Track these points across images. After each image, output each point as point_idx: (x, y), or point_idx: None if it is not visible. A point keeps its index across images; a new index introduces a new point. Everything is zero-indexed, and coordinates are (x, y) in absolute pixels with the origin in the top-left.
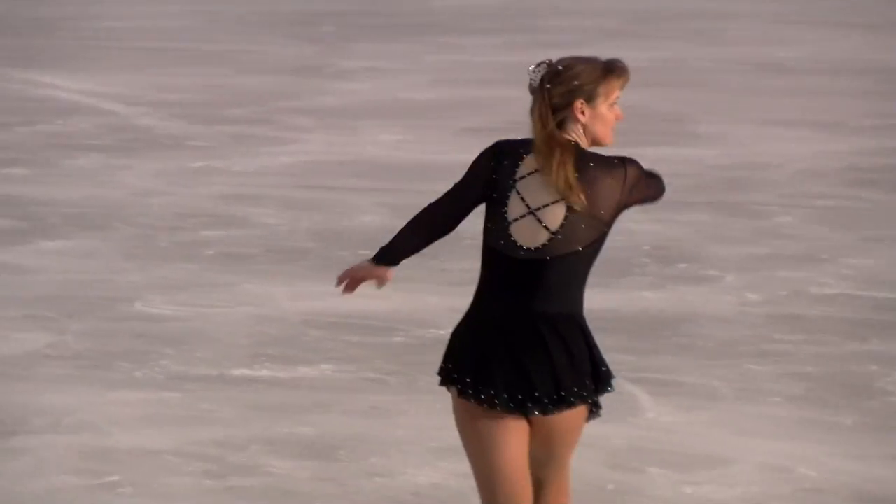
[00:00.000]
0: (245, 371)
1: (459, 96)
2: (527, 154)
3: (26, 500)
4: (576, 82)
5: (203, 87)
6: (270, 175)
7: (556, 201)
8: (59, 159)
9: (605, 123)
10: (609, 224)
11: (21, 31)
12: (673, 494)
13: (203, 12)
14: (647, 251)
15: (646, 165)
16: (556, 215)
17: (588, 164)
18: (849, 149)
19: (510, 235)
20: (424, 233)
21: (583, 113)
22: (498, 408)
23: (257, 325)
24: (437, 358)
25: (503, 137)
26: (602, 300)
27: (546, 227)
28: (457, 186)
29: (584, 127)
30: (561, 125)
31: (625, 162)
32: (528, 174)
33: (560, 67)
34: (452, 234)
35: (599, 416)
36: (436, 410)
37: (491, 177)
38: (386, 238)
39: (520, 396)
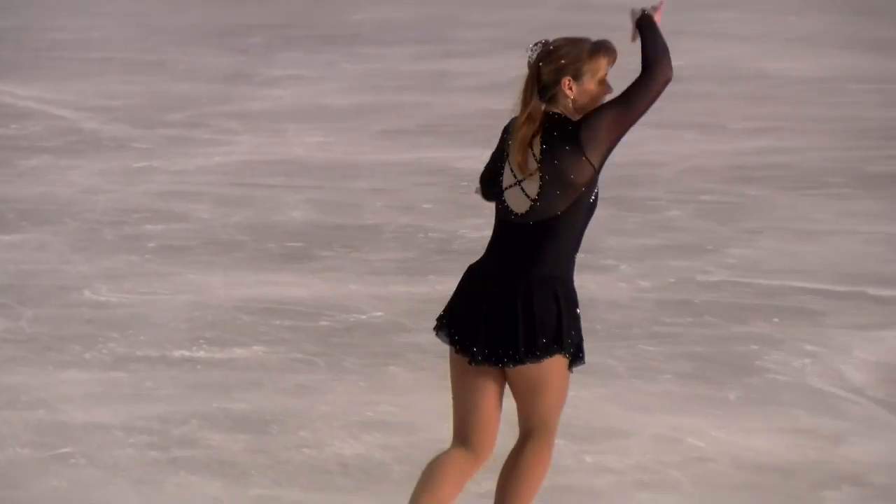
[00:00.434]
0: (184, 353)
1: (376, 101)
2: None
3: None
4: (563, 61)
5: (143, 94)
6: (206, 174)
7: (532, 173)
8: (13, 160)
9: (592, 98)
10: (585, 186)
11: None
12: (575, 463)
13: (142, 25)
14: None
15: None
16: (533, 185)
17: (553, 134)
18: (730, 149)
19: (504, 201)
20: None
21: (570, 89)
22: (473, 364)
23: (195, 310)
24: (359, 340)
25: (415, 139)
26: None
27: (527, 195)
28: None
29: (574, 101)
30: (552, 100)
31: (579, 123)
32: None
33: (551, 48)
34: (373, 227)
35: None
36: (359, 388)
37: (501, 148)
38: (312, 233)
39: (491, 350)
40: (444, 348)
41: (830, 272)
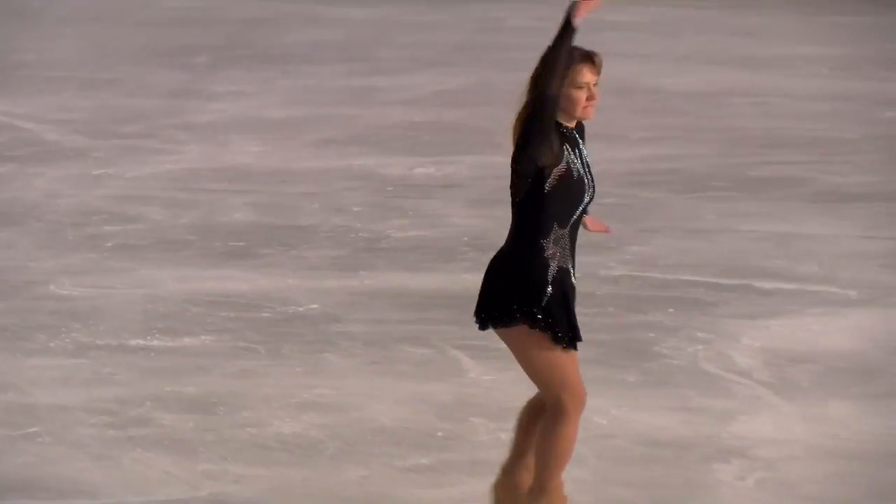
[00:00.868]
0: (140, 341)
1: (309, 114)
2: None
3: None
4: None
5: (99, 108)
6: (157, 180)
7: None
8: None
9: (570, 102)
10: (514, 173)
11: None
12: (490, 439)
13: (98, 46)
14: (467, 241)
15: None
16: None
17: None
18: (629, 156)
19: None
20: None
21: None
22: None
23: (149, 303)
24: (296, 329)
25: (345, 148)
26: (431, 281)
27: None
28: None
29: (561, 104)
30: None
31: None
32: None
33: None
34: (308, 227)
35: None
36: (297, 373)
37: None
38: (253, 233)
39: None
40: (373, 337)
41: (719, 267)
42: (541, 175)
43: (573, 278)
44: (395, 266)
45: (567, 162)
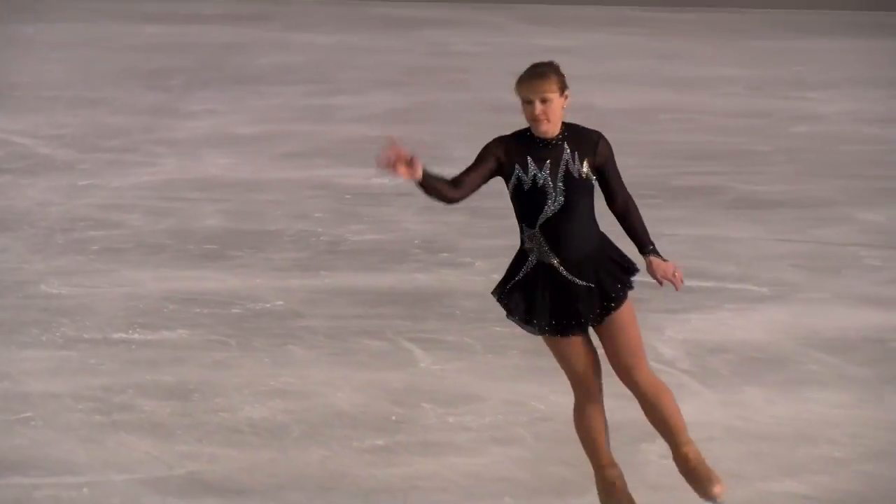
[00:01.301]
0: (122, 335)
1: (275, 130)
2: None
3: None
4: None
5: (86, 125)
6: (137, 190)
7: None
8: None
9: (525, 115)
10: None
11: None
12: (439, 422)
13: (84, 69)
14: (418, 244)
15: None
16: None
17: None
18: None
19: None
20: None
21: None
22: None
23: (130, 300)
24: (264, 324)
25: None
26: (386, 280)
27: None
28: None
29: None
30: None
31: None
32: None
33: None
34: (275, 232)
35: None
36: (264, 363)
37: None
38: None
39: None
40: (333, 331)
41: (645, 266)
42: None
43: (563, 273)
44: (353, 266)
45: (517, 176)
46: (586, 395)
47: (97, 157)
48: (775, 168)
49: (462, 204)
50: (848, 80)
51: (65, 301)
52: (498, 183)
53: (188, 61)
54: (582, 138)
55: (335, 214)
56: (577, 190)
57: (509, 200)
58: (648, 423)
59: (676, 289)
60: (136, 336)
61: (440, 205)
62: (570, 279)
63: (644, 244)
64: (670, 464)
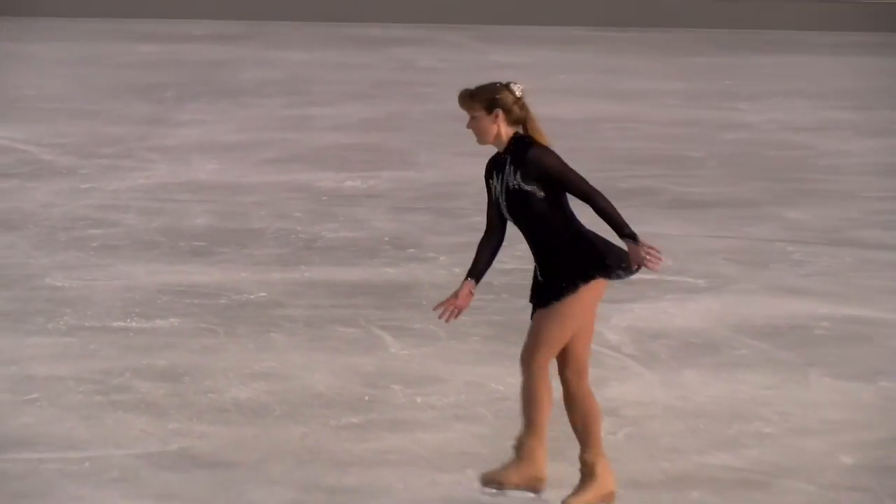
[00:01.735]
0: (120, 323)
1: (258, 138)
2: None
3: None
4: None
5: (85, 133)
6: (133, 192)
7: None
8: None
9: None
10: None
11: None
12: (407, 402)
13: (83, 84)
14: (388, 240)
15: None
16: None
17: None
18: None
19: None
20: None
21: None
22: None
23: (127, 292)
24: (248, 313)
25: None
26: (358, 273)
27: None
28: None
29: None
30: None
31: None
32: None
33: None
34: (257, 230)
35: None
36: (249, 349)
37: None
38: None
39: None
40: (311, 319)
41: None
42: None
43: (540, 276)
44: (328, 261)
45: (490, 188)
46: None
47: (96, 163)
48: (708, 172)
49: (426, 205)
50: (773, 93)
51: (67, 293)
52: (458, 186)
53: (178, 76)
54: (521, 153)
55: (312, 214)
56: (516, 201)
57: (469, 202)
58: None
59: (653, 269)
60: (132, 324)
61: (409, 206)
62: (537, 275)
63: (617, 231)
64: (616, 438)
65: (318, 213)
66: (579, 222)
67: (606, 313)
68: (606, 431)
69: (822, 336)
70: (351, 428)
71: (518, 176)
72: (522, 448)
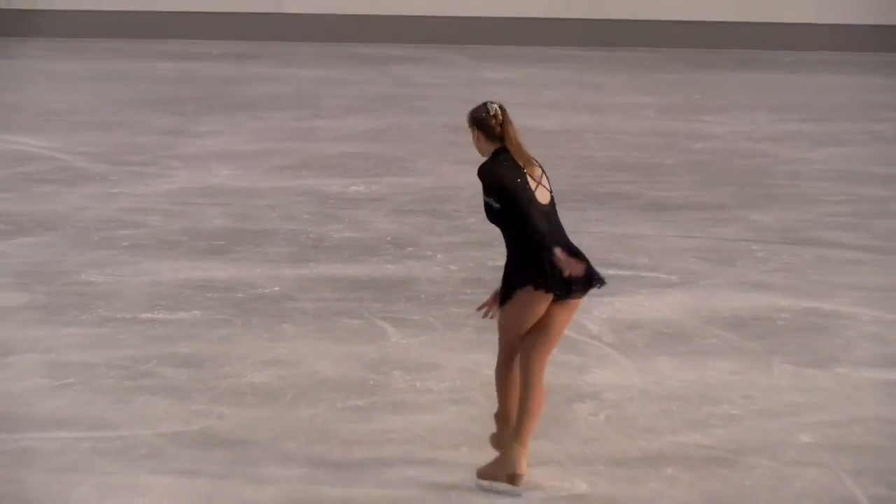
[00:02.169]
0: (147, 315)
1: (269, 147)
2: (513, 164)
3: (18, 394)
4: None
5: (114, 143)
6: (157, 196)
7: (542, 176)
8: (30, 188)
9: None
10: None
11: None
12: (407, 387)
13: (110, 98)
14: (389, 240)
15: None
16: (546, 183)
17: None
18: None
19: (537, 199)
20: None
21: None
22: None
23: (153, 287)
24: (262, 306)
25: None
26: (361, 270)
27: (549, 190)
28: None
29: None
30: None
31: None
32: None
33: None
34: (270, 231)
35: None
36: (263, 338)
37: (514, 172)
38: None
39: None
40: (319, 311)
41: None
42: None
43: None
44: (334, 259)
45: None
46: (511, 357)
47: (124, 170)
48: (679, 178)
49: (423, 207)
50: (737, 106)
51: (99, 287)
52: (453, 190)
53: (197, 91)
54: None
55: (319, 216)
56: (486, 209)
57: (462, 205)
58: (580, 386)
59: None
60: (158, 316)
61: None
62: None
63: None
64: (597, 420)
65: (324, 215)
66: (542, 234)
67: (588, 306)
68: (588, 413)
69: (783, 327)
70: (356, 410)
71: (483, 191)
72: (499, 443)
